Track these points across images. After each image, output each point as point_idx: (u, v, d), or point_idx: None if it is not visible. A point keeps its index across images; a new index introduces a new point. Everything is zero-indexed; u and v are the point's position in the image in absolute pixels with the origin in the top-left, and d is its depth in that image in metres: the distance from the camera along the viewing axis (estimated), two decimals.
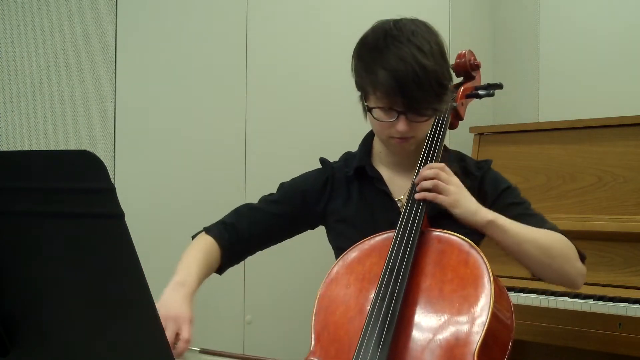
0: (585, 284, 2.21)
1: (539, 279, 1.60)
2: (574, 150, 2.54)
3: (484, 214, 1.50)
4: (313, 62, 2.73)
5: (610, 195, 2.40)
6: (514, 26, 3.39)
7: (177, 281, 1.43)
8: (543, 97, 3.25)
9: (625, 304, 2.08)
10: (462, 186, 1.52)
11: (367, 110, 1.56)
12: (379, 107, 1.53)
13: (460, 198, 1.50)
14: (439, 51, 1.53)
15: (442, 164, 1.55)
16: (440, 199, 1.50)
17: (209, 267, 1.56)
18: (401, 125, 1.52)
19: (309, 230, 1.75)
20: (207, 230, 1.62)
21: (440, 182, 1.50)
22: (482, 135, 2.80)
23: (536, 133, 2.67)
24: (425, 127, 1.59)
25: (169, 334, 1.29)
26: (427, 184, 1.51)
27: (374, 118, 1.55)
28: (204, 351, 1.30)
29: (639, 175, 2.35)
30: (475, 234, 1.53)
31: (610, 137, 2.45)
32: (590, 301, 2.13)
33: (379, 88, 1.49)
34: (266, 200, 1.69)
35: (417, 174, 1.57)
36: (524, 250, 1.51)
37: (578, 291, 2.18)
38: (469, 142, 2.90)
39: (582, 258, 1.59)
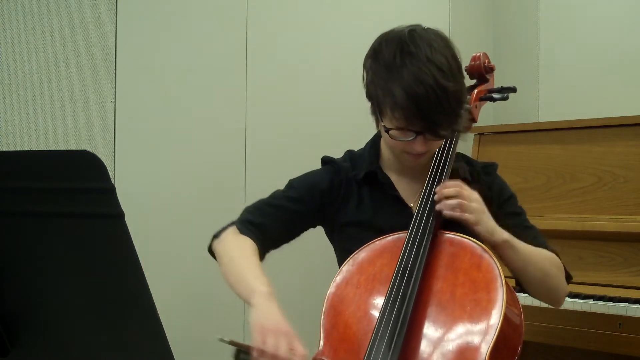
0: (585, 284, 2.23)
1: (525, 293, 1.63)
2: (574, 150, 2.53)
3: (500, 234, 1.49)
4: (313, 62, 2.73)
5: (610, 195, 2.40)
6: (514, 26, 3.38)
7: (266, 292, 1.36)
8: (543, 97, 3.24)
9: (625, 304, 2.07)
10: (482, 202, 1.50)
11: (385, 130, 1.51)
12: (395, 128, 1.48)
13: (482, 217, 1.48)
14: (457, 67, 1.48)
15: (459, 182, 1.52)
16: (466, 217, 1.48)
17: None
18: (418, 146, 1.49)
19: (309, 230, 1.72)
20: (241, 230, 1.53)
21: (464, 202, 1.48)
22: (482, 135, 2.79)
23: (536, 133, 2.66)
24: (440, 142, 1.57)
25: (284, 348, 1.24)
26: (452, 203, 1.48)
27: (390, 137, 1.50)
28: None
29: (639, 175, 2.35)
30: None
31: (610, 137, 2.44)
32: (590, 301, 2.12)
33: (396, 110, 1.44)
34: (286, 197, 1.61)
35: (430, 178, 1.55)
36: (527, 271, 1.54)
37: (578, 291, 2.19)
38: (469, 142, 2.89)
39: (569, 279, 1.63)
